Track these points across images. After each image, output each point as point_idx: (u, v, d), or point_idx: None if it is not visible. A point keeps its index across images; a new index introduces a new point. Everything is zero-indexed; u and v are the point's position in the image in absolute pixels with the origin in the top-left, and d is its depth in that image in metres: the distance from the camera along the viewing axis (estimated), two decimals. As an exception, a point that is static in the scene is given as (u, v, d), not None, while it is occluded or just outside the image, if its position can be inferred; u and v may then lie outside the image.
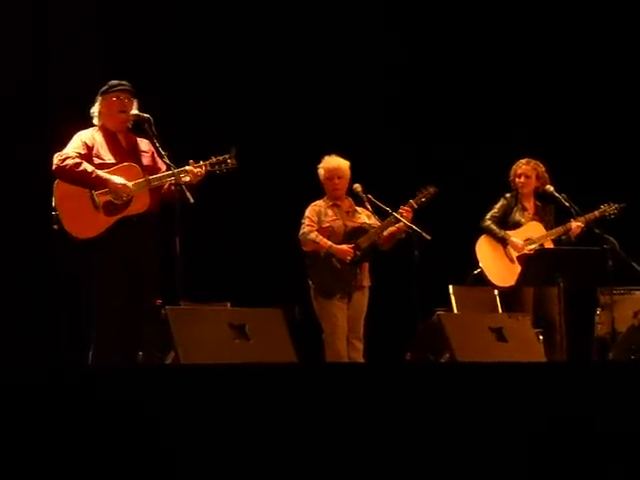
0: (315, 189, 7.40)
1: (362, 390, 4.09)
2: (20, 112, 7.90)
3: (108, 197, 6.06)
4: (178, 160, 6.20)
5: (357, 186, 7.26)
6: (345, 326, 7.12)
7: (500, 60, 9.58)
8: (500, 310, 7.84)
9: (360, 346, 7.15)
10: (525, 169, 7.98)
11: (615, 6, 9.58)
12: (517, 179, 8.01)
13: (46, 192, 6.13)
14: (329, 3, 9.25)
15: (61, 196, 6.08)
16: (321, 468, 3.88)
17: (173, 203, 6.13)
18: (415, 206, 7.20)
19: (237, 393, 3.88)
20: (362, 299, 7.21)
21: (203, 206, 6.04)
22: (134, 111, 6.22)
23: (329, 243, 7.16)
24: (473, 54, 9.62)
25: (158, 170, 6.23)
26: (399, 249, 7.28)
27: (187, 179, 6.13)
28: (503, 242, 7.89)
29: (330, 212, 7.31)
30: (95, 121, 6.27)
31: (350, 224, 7.29)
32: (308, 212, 7.31)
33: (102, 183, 6.05)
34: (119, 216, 6.08)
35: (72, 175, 6.05)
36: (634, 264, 7.45)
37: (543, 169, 7.98)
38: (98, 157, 6.16)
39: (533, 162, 7.99)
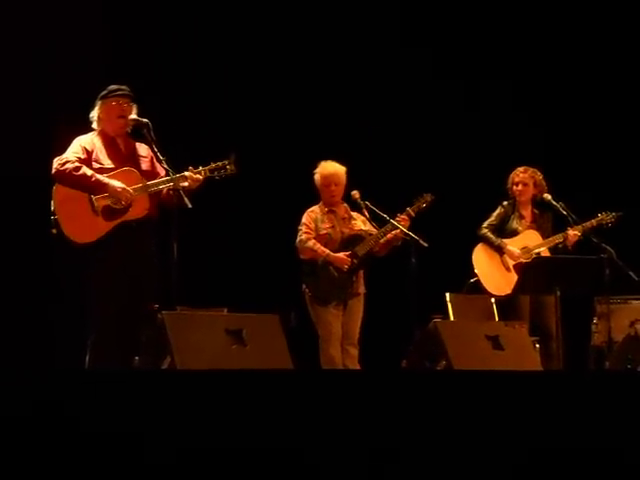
0: (311, 194, 7.39)
1: (358, 397, 4.09)
2: (21, 115, 7.89)
3: (107, 202, 6.06)
4: (176, 165, 6.19)
5: (355, 193, 7.25)
6: (340, 333, 7.12)
7: (499, 66, 9.58)
8: (497, 318, 7.83)
9: (355, 353, 7.15)
10: (522, 177, 7.98)
11: (612, 11, 9.59)
12: (514, 187, 8.01)
13: (45, 196, 6.12)
14: (324, 8, 9.25)
15: (60, 200, 6.07)
16: (317, 474, 3.88)
17: (171, 207, 6.13)
18: (412, 214, 7.20)
19: (233, 399, 3.88)
20: (358, 306, 7.21)
21: (200, 211, 6.04)
22: (133, 116, 6.22)
23: (327, 251, 7.16)
24: (471, 58, 9.61)
25: (157, 175, 6.23)
26: (396, 256, 7.27)
27: (185, 184, 6.13)
28: (499, 251, 7.90)
29: (326, 219, 7.30)
30: (94, 125, 6.27)
31: (347, 231, 7.29)
32: (305, 219, 7.30)
33: (102, 187, 6.04)
34: (118, 221, 6.07)
35: (72, 179, 6.04)
36: (631, 273, 7.44)
37: (541, 177, 7.98)
38: (97, 162, 6.15)
39: (531, 170, 7.99)
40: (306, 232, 7.23)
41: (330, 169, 7.30)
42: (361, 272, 7.26)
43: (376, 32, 9.43)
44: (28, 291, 7.88)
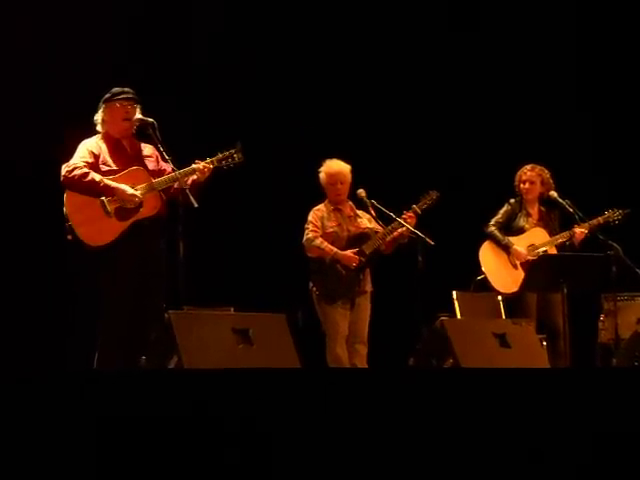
0: (317, 193, 7.38)
1: (365, 395, 4.09)
2: (31, 119, 7.91)
3: (118, 203, 6.09)
4: (182, 164, 6.20)
5: (361, 191, 7.24)
6: (346, 332, 7.11)
7: (503, 63, 9.58)
8: (503, 316, 7.83)
9: (364, 351, 7.14)
10: (530, 175, 7.97)
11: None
12: (522, 185, 8.00)
13: (58, 199, 6.15)
14: (330, 4, 9.25)
15: (72, 206, 6.10)
16: (324, 472, 3.88)
17: (178, 202, 6.14)
18: (419, 212, 7.20)
19: (240, 398, 3.88)
20: (366, 304, 7.20)
21: (207, 211, 6.04)
22: (138, 115, 6.23)
23: (334, 249, 7.15)
24: (476, 55, 9.61)
25: (163, 173, 6.25)
26: (403, 255, 7.26)
27: (194, 177, 6.15)
28: (506, 249, 7.89)
29: (332, 217, 7.29)
30: (99, 128, 6.28)
31: (353, 229, 7.28)
32: (311, 217, 7.30)
33: (110, 192, 6.07)
34: (132, 220, 6.10)
35: (80, 185, 6.07)
36: (638, 270, 7.44)
37: (548, 175, 7.97)
38: (105, 164, 6.18)
39: (538, 168, 7.98)
40: (313, 230, 7.23)
41: (335, 168, 7.30)
42: (368, 270, 7.25)
43: (382, 28, 9.42)
44: (37, 292, 7.89)
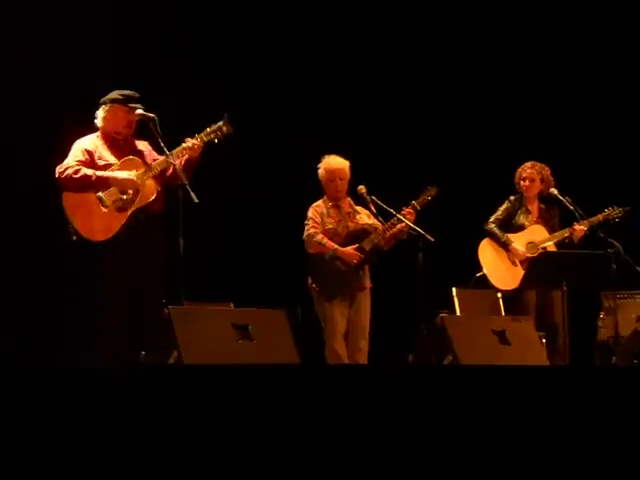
0: (317, 188, 7.37)
1: (365, 392, 4.09)
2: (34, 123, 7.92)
3: (114, 196, 6.10)
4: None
5: (361, 187, 7.23)
6: (344, 328, 7.11)
7: (500, 60, 9.57)
8: (503, 313, 7.83)
9: (365, 348, 7.12)
10: (530, 172, 7.97)
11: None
12: (522, 182, 8.00)
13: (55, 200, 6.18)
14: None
15: (71, 207, 6.14)
16: (323, 468, 3.88)
17: (177, 186, 6.15)
18: (418, 207, 7.19)
19: (240, 394, 3.88)
20: (365, 300, 7.20)
21: (207, 206, 6.04)
22: (139, 111, 6.24)
23: (335, 246, 7.15)
24: (481, 52, 9.61)
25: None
26: (403, 251, 7.26)
27: (186, 156, 6.17)
28: (505, 246, 7.89)
29: (332, 213, 7.28)
30: (98, 124, 6.30)
31: (352, 225, 7.27)
32: (310, 213, 7.29)
33: (105, 182, 6.10)
34: (131, 210, 6.12)
35: (74, 183, 6.11)
36: (638, 268, 7.44)
37: (548, 172, 7.97)
38: (101, 159, 6.21)
39: (538, 165, 7.98)
40: (313, 226, 7.22)
41: (334, 164, 7.29)
42: (367, 266, 7.25)
43: (383, 24, 9.42)
44: (35, 288, 7.88)
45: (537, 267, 7.35)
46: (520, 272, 7.68)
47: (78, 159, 6.18)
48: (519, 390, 4.32)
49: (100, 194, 6.09)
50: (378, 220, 7.23)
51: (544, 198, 8.01)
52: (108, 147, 6.26)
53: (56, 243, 6.59)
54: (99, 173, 6.09)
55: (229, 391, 3.88)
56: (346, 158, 7.31)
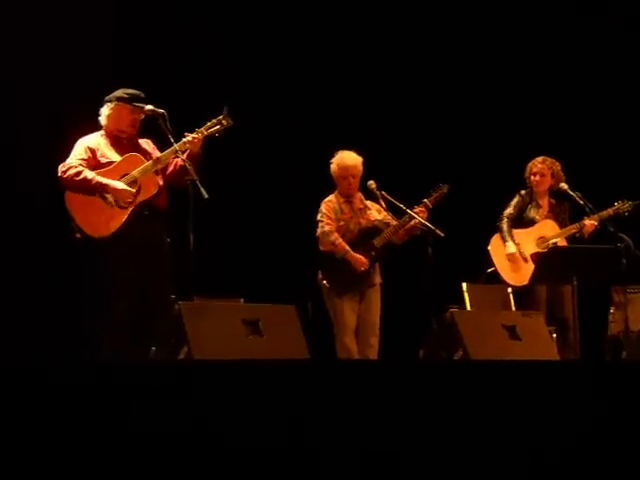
0: (328, 183, 7.36)
1: (375, 387, 4.09)
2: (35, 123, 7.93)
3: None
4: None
5: (371, 183, 7.22)
6: (354, 324, 7.11)
7: (510, 59, 9.55)
8: (513, 308, 7.82)
9: (376, 343, 7.12)
10: (540, 167, 7.95)
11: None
12: (532, 177, 7.99)
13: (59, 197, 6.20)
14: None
15: (74, 205, 6.16)
16: (333, 464, 3.88)
17: (181, 184, 6.16)
18: (430, 206, 7.17)
19: (250, 389, 3.88)
20: (376, 296, 7.19)
21: (217, 202, 6.05)
22: (149, 106, 6.25)
23: (347, 249, 7.12)
24: (479, 52, 9.59)
25: (167, 167, 6.29)
26: (413, 247, 7.26)
27: (187, 151, 6.18)
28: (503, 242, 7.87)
29: (344, 209, 7.28)
30: (102, 120, 6.31)
31: (363, 222, 7.26)
32: (324, 209, 7.26)
33: (103, 188, 6.13)
34: (133, 205, 6.12)
35: (74, 184, 6.14)
36: (649, 262, 7.43)
37: (559, 167, 7.95)
38: (104, 157, 6.24)
39: (549, 160, 7.96)
40: (328, 223, 7.19)
41: (348, 161, 7.26)
42: (377, 263, 7.25)
43: (396, 19, 9.41)
44: (44, 286, 7.89)
45: (548, 262, 7.34)
46: (530, 268, 7.66)
47: (81, 157, 6.20)
48: (529, 385, 4.31)
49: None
50: (389, 215, 7.22)
51: (554, 193, 8.00)
52: (111, 145, 6.28)
53: (60, 240, 6.60)
54: (99, 178, 6.12)
55: (239, 386, 3.88)
56: (359, 154, 7.29)
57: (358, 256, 7.13)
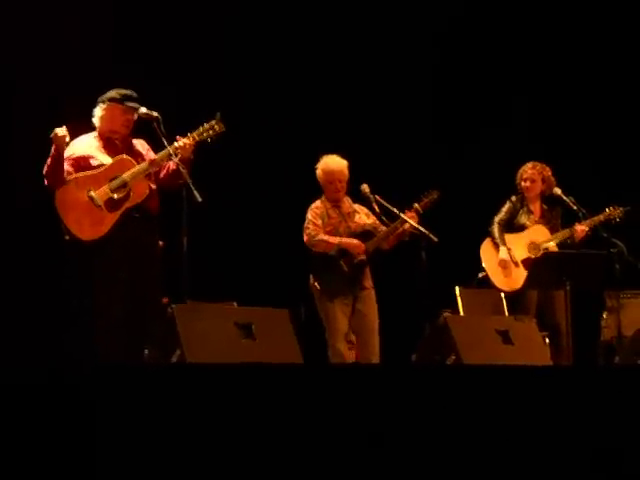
0: (319, 187, 7.35)
1: (368, 391, 4.09)
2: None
3: (107, 195, 6.09)
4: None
5: (364, 187, 7.20)
6: (346, 328, 7.08)
7: (500, 64, 9.57)
8: (506, 313, 7.83)
9: (376, 347, 7.06)
10: (531, 173, 7.97)
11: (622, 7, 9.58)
12: (523, 183, 8.00)
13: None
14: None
15: (63, 206, 6.13)
16: (325, 469, 3.88)
17: (174, 188, 6.15)
18: (420, 210, 7.15)
19: (243, 393, 3.88)
20: (370, 298, 7.13)
21: (210, 205, 6.04)
22: (143, 109, 6.22)
23: (338, 238, 7.12)
24: (476, 56, 9.60)
25: (161, 170, 6.27)
26: (406, 251, 7.25)
27: (179, 155, 6.14)
28: (497, 247, 7.87)
29: (332, 214, 7.25)
30: (95, 121, 6.29)
31: (353, 225, 7.24)
32: (310, 215, 7.24)
33: (57, 157, 6.04)
34: (123, 209, 6.10)
35: (46, 172, 6.09)
36: (641, 268, 7.45)
37: (549, 173, 7.96)
38: (95, 159, 6.20)
39: (539, 166, 7.98)
40: (314, 229, 7.18)
41: (333, 166, 7.22)
42: (367, 267, 7.23)
43: (382, 25, 9.42)
44: (37, 288, 7.88)
45: (540, 268, 7.34)
46: (522, 273, 7.68)
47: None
48: (522, 390, 4.32)
49: (92, 193, 6.07)
50: (379, 220, 7.20)
51: (547, 198, 8.01)
52: (104, 146, 6.24)
53: (52, 242, 6.58)
54: (53, 153, 6.04)
55: (232, 390, 3.88)
56: (346, 157, 7.25)
57: (353, 240, 7.11)
